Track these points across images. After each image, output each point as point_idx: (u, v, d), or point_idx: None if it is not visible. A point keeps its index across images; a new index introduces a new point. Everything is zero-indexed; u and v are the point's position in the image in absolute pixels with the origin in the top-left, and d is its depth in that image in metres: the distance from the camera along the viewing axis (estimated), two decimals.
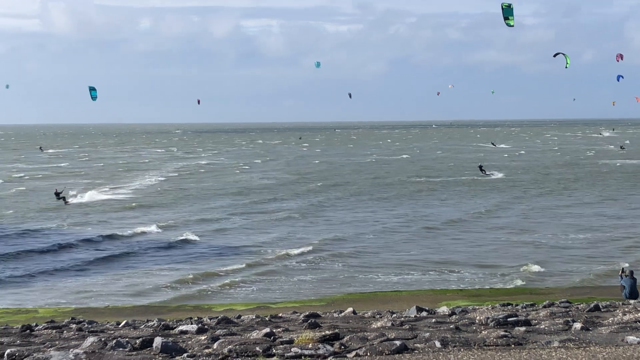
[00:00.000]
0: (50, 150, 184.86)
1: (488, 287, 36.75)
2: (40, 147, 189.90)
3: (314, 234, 53.45)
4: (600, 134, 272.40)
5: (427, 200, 73.07)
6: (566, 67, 62.08)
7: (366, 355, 9.50)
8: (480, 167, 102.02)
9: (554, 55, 62.46)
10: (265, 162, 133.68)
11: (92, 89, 68.39)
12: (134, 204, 71.08)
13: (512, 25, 44.25)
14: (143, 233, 54.19)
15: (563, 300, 19.22)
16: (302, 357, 9.41)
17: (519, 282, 37.88)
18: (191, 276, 40.34)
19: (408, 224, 57.73)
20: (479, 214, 62.34)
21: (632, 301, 19.11)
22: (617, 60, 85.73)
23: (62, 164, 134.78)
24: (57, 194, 71.63)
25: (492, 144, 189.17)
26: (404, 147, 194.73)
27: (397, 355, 9.24)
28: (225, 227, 56.80)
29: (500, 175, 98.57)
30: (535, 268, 41.07)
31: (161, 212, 66.24)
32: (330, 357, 9.38)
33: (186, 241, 50.86)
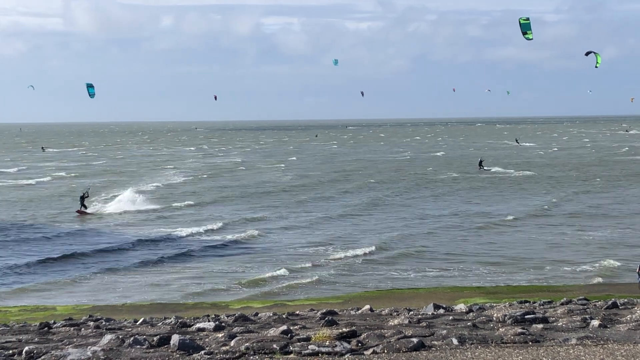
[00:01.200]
0: (81, 151, 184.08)
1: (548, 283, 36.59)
2: (43, 148, 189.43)
3: (373, 232, 53.14)
4: (627, 132, 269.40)
5: (476, 197, 72.79)
6: (596, 67, 61.03)
7: (383, 352, 9.49)
8: (480, 162, 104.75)
9: (586, 54, 61.25)
10: (301, 159, 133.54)
11: (89, 86, 67.53)
12: (177, 204, 70.88)
13: (531, 39, 44.25)
14: (172, 232, 54.34)
15: (580, 297, 19.13)
16: (319, 355, 9.42)
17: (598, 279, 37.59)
18: (209, 274, 40.45)
19: (464, 221, 57.34)
20: (535, 211, 61.97)
21: None
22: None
23: (98, 162, 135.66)
24: (82, 198, 65.71)
25: (516, 141, 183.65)
26: (434, 144, 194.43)
27: (414, 352, 9.23)
28: (264, 227, 56.37)
29: (521, 171, 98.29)
30: (612, 264, 40.93)
31: (200, 211, 66.30)
32: (348, 355, 9.38)
33: (215, 239, 50.99)
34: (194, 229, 54.62)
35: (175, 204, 70.13)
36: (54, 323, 16.57)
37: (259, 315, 16.54)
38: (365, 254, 44.98)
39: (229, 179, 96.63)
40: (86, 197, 65.73)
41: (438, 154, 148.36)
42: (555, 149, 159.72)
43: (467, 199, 71.51)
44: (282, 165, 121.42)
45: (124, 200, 69.11)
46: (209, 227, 55.64)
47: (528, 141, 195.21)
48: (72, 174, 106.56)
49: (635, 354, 9.21)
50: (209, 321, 14.34)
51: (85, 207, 65.05)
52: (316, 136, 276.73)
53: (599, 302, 15.84)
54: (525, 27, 43.01)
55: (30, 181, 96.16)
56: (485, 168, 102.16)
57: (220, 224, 56.87)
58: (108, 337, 11.03)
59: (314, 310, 18.06)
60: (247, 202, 71.06)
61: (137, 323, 15.70)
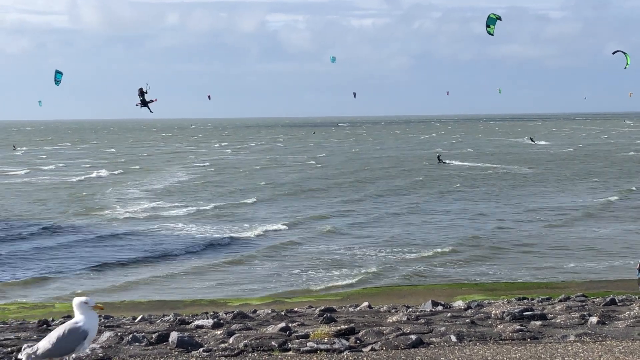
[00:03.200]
0: (112, 149, 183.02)
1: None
2: (14, 146, 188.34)
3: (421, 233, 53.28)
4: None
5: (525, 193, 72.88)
6: (625, 68, 59.98)
7: (382, 349, 9.50)
8: (439, 157, 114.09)
9: (613, 53, 60.18)
10: (330, 157, 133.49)
11: (57, 73, 66.58)
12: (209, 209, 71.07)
13: (492, 35, 44.27)
14: (171, 227, 54.41)
15: (579, 294, 19.15)
16: (318, 352, 9.43)
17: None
18: (208, 270, 40.47)
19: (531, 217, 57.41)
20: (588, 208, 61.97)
21: None
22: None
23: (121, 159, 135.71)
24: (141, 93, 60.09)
25: (531, 139, 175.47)
26: (454, 140, 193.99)
27: (412, 349, 9.24)
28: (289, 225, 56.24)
29: (471, 163, 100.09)
30: None
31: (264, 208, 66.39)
32: (346, 352, 9.39)
33: (211, 236, 51.01)
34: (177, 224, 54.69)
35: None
36: (53, 320, 16.57)
37: (258, 312, 16.54)
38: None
39: (272, 176, 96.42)
40: (146, 92, 60.22)
41: (465, 150, 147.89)
42: (581, 145, 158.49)
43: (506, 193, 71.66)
44: (313, 161, 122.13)
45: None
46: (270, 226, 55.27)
47: (542, 139, 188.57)
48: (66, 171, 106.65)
49: (633, 350, 9.22)
50: (207, 318, 14.34)
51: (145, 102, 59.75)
52: (313, 133, 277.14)
53: (597, 299, 15.86)
54: (490, 21, 42.95)
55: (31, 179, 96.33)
56: (444, 162, 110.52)
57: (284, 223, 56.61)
58: (107, 335, 11.03)
59: (312, 307, 18.06)
60: (306, 199, 71.14)
61: (136, 320, 15.70)
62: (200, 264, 42.35)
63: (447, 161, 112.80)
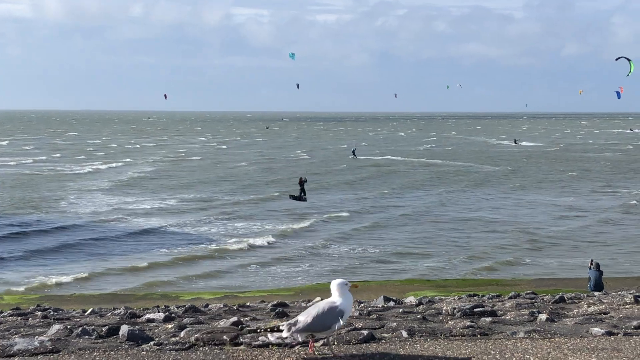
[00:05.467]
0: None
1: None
2: None
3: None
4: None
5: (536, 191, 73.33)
6: (627, 76, 59.62)
7: (334, 343, 9.51)
8: (353, 151, 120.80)
9: (616, 59, 59.83)
10: (323, 152, 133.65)
11: None
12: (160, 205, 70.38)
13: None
14: (121, 220, 53.99)
15: (529, 291, 19.35)
16: (270, 346, 9.41)
17: None
18: (161, 264, 40.20)
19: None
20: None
21: (596, 293, 19.27)
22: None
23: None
24: (302, 183, 60.62)
25: (515, 142, 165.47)
26: (428, 138, 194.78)
27: (364, 344, 9.27)
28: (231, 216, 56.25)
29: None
30: None
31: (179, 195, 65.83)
32: (298, 346, 9.39)
33: (162, 229, 50.71)
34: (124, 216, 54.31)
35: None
36: (1, 312, 16.33)
37: (210, 306, 16.45)
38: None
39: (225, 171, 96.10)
40: (305, 182, 60.86)
41: (448, 148, 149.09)
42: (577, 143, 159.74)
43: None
44: (307, 156, 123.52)
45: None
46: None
47: (525, 140, 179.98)
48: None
49: (581, 347, 9.35)
50: (158, 312, 14.24)
51: (303, 195, 60.77)
52: (267, 128, 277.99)
53: (547, 297, 16.03)
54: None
55: None
56: (357, 157, 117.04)
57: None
58: (56, 327, 10.89)
59: (264, 302, 18.03)
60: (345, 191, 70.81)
61: (86, 313, 15.52)
62: (153, 258, 42.07)
63: (359, 156, 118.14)
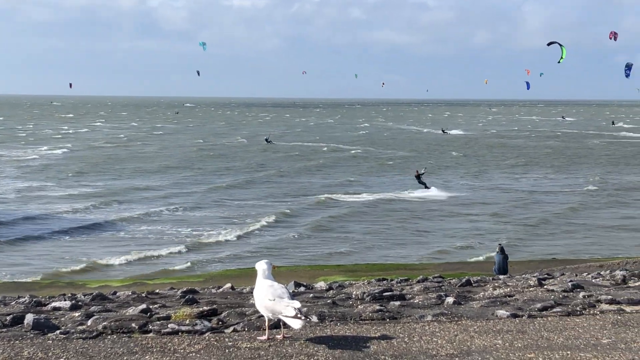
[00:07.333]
0: None
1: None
2: None
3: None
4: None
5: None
6: (559, 62, 59.81)
7: (244, 330, 9.49)
8: (266, 139, 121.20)
9: (548, 44, 59.65)
10: (303, 134, 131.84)
11: None
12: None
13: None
14: (27, 206, 52.76)
15: (436, 275, 19.66)
16: (179, 333, 9.33)
17: None
18: (66, 251, 39.43)
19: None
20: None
21: (501, 276, 19.72)
22: (610, 38, 79.49)
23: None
24: (418, 176, 64.23)
25: (443, 131, 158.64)
26: (359, 125, 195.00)
27: (274, 329, 9.28)
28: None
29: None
30: None
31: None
32: (208, 333, 9.33)
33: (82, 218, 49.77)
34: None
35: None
36: None
37: (118, 294, 16.21)
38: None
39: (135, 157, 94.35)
40: (422, 174, 64.41)
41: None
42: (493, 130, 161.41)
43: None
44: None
45: None
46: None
47: (453, 129, 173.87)
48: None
49: (487, 329, 9.55)
50: (65, 300, 13.97)
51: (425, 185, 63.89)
52: (177, 113, 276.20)
53: (454, 280, 16.31)
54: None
55: None
56: (272, 142, 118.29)
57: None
58: None
59: (174, 289, 17.86)
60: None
61: None
62: (58, 245, 41.24)
63: (274, 142, 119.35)
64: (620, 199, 60.94)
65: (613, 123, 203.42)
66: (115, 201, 56.14)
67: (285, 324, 8.85)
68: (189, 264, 37.49)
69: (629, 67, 65.59)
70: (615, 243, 43.90)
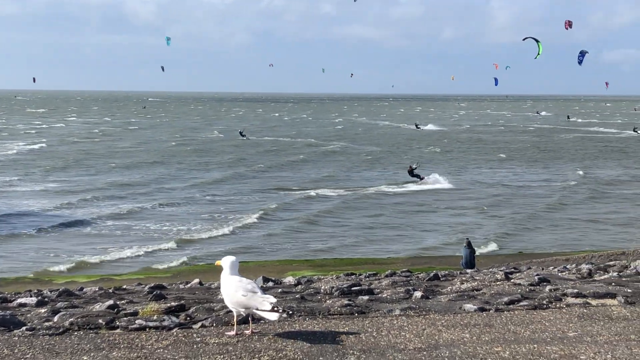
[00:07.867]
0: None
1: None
2: None
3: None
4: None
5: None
6: (536, 58, 59.50)
7: (212, 325, 9.47)
8: (241, 132, 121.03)
9: (523, 39, 59.23)
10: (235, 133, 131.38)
11: None
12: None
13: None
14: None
15: (404, 269, 19.74)
16: (147, 329, 9.29)
17: None
18: (32, 246, 39.09)
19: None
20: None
21: (469, 270, 19.84)
22: (566, 28, 79.24)
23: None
24: (411, 171, 67.38)
25: (416, 126, 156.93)
26: (334, 120, 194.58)
27: (243, 325, 9.26)
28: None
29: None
30: None
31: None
32: (176, 329, 9.30)
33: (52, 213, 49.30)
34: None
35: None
36: None
37: (85, 290, 16.09)
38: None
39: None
40: (415, 168, 67.63)
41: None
42: (501, 128, 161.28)
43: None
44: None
45: None
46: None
47: (428, 124, 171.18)
48: None
49: (455, 323, 9.60)
50: (31, 296, 13.85)
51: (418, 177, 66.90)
52: (144, 107, 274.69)
53: (422, 274, 16.38)
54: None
55: None
56: (247, 137, 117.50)
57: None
58: None
59: (141, 284, 17.76)
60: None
61: None
62: (23, 240, 40.86)
63: (248, 137, 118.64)
64: (597, 194, 61.06)
65: (568, 118, 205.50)
66: (94, 197, 55.59)
67: (255, 319, 8.84)
68: (157, 259, 37.31)
69: (582, 54, 65.33)
70: (588, 237, 44.28)
